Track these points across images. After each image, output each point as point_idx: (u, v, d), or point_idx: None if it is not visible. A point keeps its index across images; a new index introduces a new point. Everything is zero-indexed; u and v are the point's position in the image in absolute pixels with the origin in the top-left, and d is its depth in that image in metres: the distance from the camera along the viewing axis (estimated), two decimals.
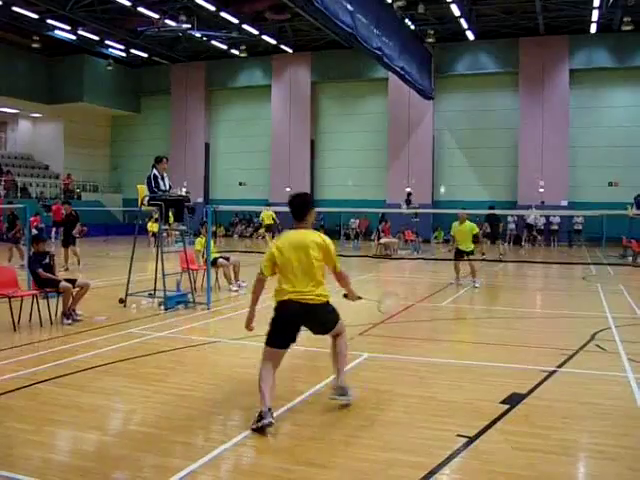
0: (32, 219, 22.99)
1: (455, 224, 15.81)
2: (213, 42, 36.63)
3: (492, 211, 26.46)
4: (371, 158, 38.03)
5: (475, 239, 15.75)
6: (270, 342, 5.86)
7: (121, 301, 11.91)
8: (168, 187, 12.31)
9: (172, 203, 12.22)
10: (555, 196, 33.64)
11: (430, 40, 33.86)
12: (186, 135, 41.94)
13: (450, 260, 21.75)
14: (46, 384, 6.68)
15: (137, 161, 40.77)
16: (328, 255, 5.83)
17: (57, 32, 34.22)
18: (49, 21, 32.36)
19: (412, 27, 32.24)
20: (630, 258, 23.20)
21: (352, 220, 35.18)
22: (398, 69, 26.83)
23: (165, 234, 19.05)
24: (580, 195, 33.60)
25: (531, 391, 6.55)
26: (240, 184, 41.31)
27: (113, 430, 5.57)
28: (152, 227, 27.08)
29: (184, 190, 13.49)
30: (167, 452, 4.91)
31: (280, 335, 5.86)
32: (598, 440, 5.25)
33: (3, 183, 35.90)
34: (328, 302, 5.89)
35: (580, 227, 33.25)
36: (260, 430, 5.26)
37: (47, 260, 10.47)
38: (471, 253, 15.68)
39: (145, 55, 39.95)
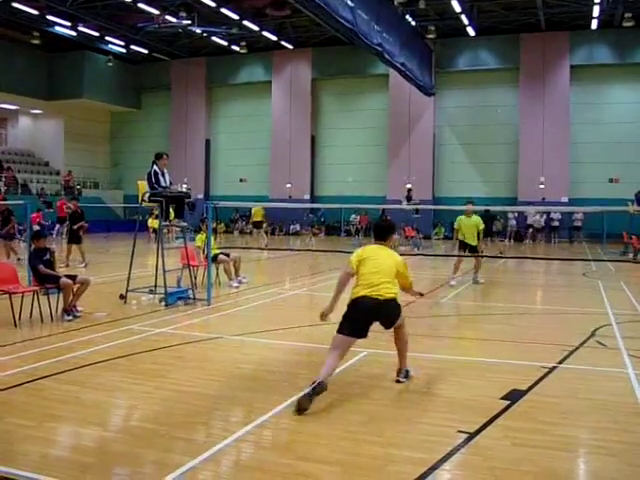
0: (34, 215, 23.00)
1: (461, 217, 15.46)
2: (213, 38, 36.61)
3: (487, 207, 26.48)
4: (371, 154, 38.02)
5: (478, 235, 15.46)
6: (340, 329, 6.32)
7: (122, 297, 11.91)
8: (168, 183, 12.29)
9: (172, 199, 12.21)
10: (556, 193, 33.62)
11: (431, 36, 33.78)
12: (186, 131, 41.93)
13: (451, 256, 21.78)
14: (47, 380, 6.68)
15: (137, 157, 40.73)
16: (403, 272, 6.68)
17: (57, 28, 34.20)
18: (49, 17, 32.35)
19: (413, 23, 32.19)
20: (631, 255, 23.18)
21: (353, 216, 35.14)
22: (399, 65, 26.80)
23: (165, 230, 19.05)
24: (581, 191, 33.55)
25: (531, 387, 6.56)
26: (240, 180, 41.29)
27: (114, 426, 5.57)
28: (152, 223, 27.08)
29: (185, 186, 13.48)
30: (167, 448, 4.91)
31: (351, 325, 6.32)
32: (598, 436, 5.25)
33: (4, 179, 35.88)
34: (396, 298, 6.55)
35: (580, 224, 33.23)
36: (309, 396, 5.71)
37: (47, 256, 10.47)
38: (475, 248, 15.37)
39: (145, 51, 39.92)
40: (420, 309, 11.92)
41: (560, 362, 7.63)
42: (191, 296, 12.13)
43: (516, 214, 33.97)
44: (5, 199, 26.81)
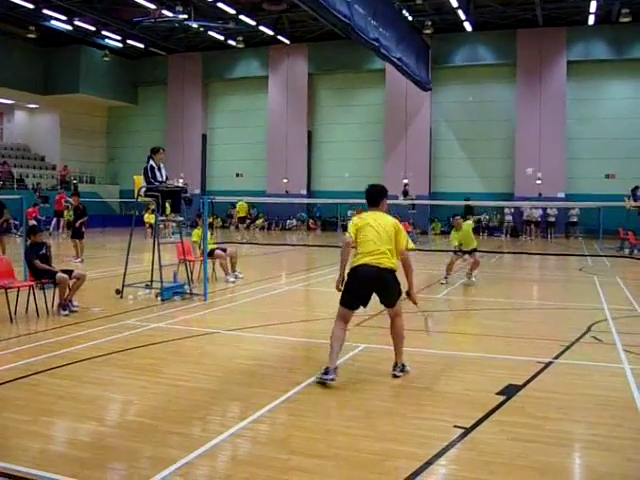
0: (30, 210, 22.95)
1: (454, 233, 14.93)
2: (210, 33, 36.51)
3: (467, 202, 26.51)
4: (368, 149, 38.00)
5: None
6: (342, 302, 6.65)
7: (118, 292, 11.90)
8: (165, 178, 12.27)
9: (169, 194, 12.19)
10: (552, 188, 33.66)
11: (428, 31, 33.78)
12: (183, 126, 41.86)
13: (447, 251, 21.80)
14: (43, 375, 6.68)
15: (134, 152, 40.68)
16: (399, 234, 6.65)
17: (53, 22, 34.08)
18: (45, 11, 32.24)
19: (410, 18, 32.16)
20: (627, 250, 23.23)
21: (349, 212, 35.11)
22: (395, 60, 26.77)
23: (162, 225, 19.04)
24: (577, 187, 33.61)
25: (527, 382, 6.57)
26: (237, 175, 41.28)
27: (109, 421, 5.57)
28: (149, 218, 27.08)
29: (181, 181, 13.48)
30: (164, 442, 4.91)
31: (351, 296, 6.61)
32: (594, 431, 5.26)
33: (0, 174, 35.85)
34: (394, 271, 6.61)
35: (576, 219, 33.27)
36: (322, 383, 6.20)
37: (44, 251, 10.45)
38: (475, 250, 14.93)
39: (142, 46, 39.81)
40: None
41: (556, 357, 7.64)
42: (187, 291, 12.14)
43: (512, 209, 34.01)
44: None
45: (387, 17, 24.94)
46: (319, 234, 35.36)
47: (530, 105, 34.57)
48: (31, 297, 10.10)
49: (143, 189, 12.07)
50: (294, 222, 38.70)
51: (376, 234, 6.58)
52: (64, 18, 33.29)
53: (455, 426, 5.27)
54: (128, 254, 12.16)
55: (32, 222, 19.66)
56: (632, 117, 33.32)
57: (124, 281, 11.96)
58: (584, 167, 34.05)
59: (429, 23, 33.46)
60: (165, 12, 31.57)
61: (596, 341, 8.63)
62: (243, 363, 7.31)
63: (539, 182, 33.96)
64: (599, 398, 6.10)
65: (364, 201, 7.02)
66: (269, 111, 40.08)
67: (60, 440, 5.11)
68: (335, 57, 37.76)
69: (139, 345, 8.08)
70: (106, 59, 39.95)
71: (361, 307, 6.73)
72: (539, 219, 33.89)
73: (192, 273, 13.16)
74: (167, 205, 12.45)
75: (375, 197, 6.98)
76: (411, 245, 6.77)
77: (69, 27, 34.84)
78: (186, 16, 31.88)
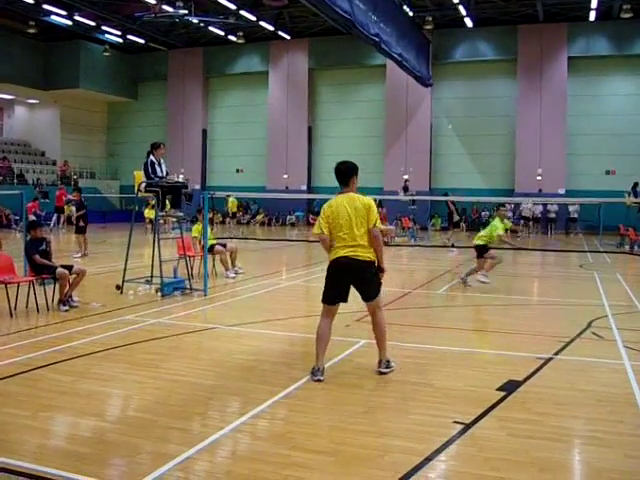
0: (30, 205, 22.90)
1: (499, 222, 13.22)
2: (210, 28, 36.46)
3: (446, 198, 26.52)
4: (368, 145, 37.95)
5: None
6: (323, 298, 6.66)
7: (118, 287, 11.90)
8: (165, 173, 12.25)
9: (169, 189, 12.18)
10: (552, 184, 33.65)
11: (428, 27, 33.72)
12: (183, 122, 41.83)
13: (445, 247, 21.82)
14: (43, 370, 6.67)
15: (134, 147, 40.66)
16: (370, 213, 6.50)
17: (53, 17, 34.01)
18: (45, 6, 32.16)
19: (410, 13, 32.10)
20: (627, 246, 23.22)
21: None
22: (396, 56, 26.73)
23: (162, 221, 19.02)
24: (577, 183, 33.58)
25: (527, 378, 6.57)
26: (237, 171, 41.26)
27: (109, 416, 5.57)
28: (149, 214, 27.07)
29: (181, 177, 13.45)
30: (163, 438, 4.91)
31: (330, 290, 6.62)
32: (594, 427, 5.26)
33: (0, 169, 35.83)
34: (373, 263, 6.56)
35: (576, 215, 33.25)
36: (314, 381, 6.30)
37: (44, 246, 10.45)
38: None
39: (142, 41, 39.75)
40: (416, 300, 11.95)
41: (556, 353, 7.64)
42: (187, 286, 12.13)
43: (512, 206, 33.98)
44: None
45: (388, 12, 24.89)
46: None
47: (531, 101, 34.51)
48: (31, 292, 10.10)
49: (143, 184, 12.06)
50: (293, 218, 38.69)
51: (349, 221, 6.46)
52: (64, 13, 33.22)
53: (455, 422, 5.27)
54: (128, 249, 12.15)
55: (31, 217, 19.60)
56: (633, 113, 33.27)
57: (124, 276, 11.96)
58: (584, 163, 34.03)
59: (430, 19, 33.41)
60: (165, 7, 31.49)
61: (596, 337, 8.63)
62: (243, 358, 7.31)
63: (539, 178, 33.94)
64: (599, 394, 6.10)
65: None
66: (269, 106, 40.04)
67: (60, 435, 5.11)
68: (335, 53, 37.71)
69: (139, 340, 8.08)
70: (106, 54, 39.89)
71: (342, 303, 6.67)
72: (539, 215, 33.88)
73: (192, 268, 13.16)
74: (167, 201, 12.45)
75: (345, 174, 6.78)
76: (380, 225, 6.66)
77: (69, 22, 34.77)
78: (186, 11, 31.83)
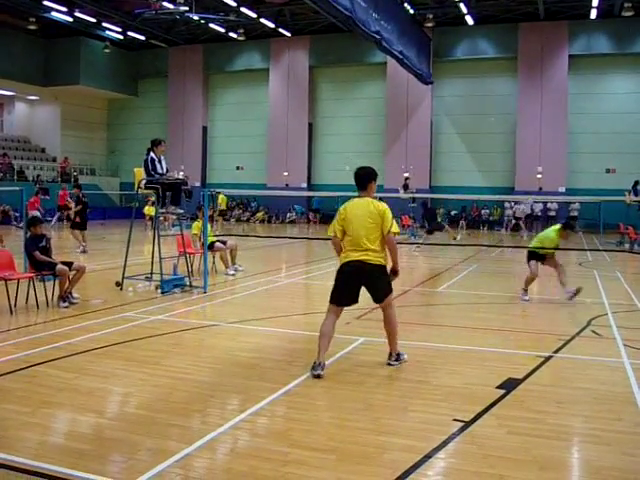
0: (32, 200, 22.80)
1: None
2: (211, 25, 36.40)
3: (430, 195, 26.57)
4: (369, 143, 37.91)
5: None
6: (331, 299, 6.71)
7: (118, 284, 11.91)
8: (165, 170, 12.24)
9: (169, 186, 12.17)
10: (553, 182, 33.62)
11: (429, 25, 33.71)
12: (183, 119, 41.80)
13: (446, 245, 21.82)
14: (42, 366, 6.68)
15: (134, 144, 40.63)
16: (384, 220, 6.57)
17: (53, 14, 33.96)
18: (45, 2, 32.10)
19: (411, 11, 32.06)
20: (627, 245, 23.21)
21: None
22: (396, 53, 26.70)
23: (162, 218, 19.01)
24: (578, 182, 33.55)
25: (527, 376, 6.57)
26: (237, 168, 41.25)
27: (109, 413, 5.57)
28: (149, 211, 27.06)
29: (182, 174, 13.45)
30: (163, 435, 4.91)
31: (340, 293, 6.68)
32: (593, 425, 5.26)
33: (0, 166, 35.80)
34: (385, 267, 6.66)
35: (576, 213, 33.21)
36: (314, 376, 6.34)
37: (44, 243, 10.45)
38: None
39: (142, 38, 39.68)
40: (415, 298, 11.95)
41: (556, 351, 7.64)
42: (187, 284, 12.13)
43: (512, 204, 33.95)
44: None
45: (389, 10, 24.86)
46: (317, 228, 35.30)
47: (531, 99, 34.48)
48: (31, 289, 10.11)
49: (143, 181, 12.06)
50: (294, 215, 38.67)
51: (362, 225, 6.56)
52: (65, 9, 33.17)
53: (455, 420, 5.28)
54: (128, 246, 12.16)
55: (35, 213, 19.48)
56: (633, 112, 33.23)
57: (124, 273, 11.97)
58: (585, 161, 34.01)
59: (431, 16, 33.40)
60: (166, 4, 31.43)
61: (596, 335, 8.64)
62: (243, 356, 7.32)
63: (540, 176, 33.93)
64: (598, 392, 6.11)
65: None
66: (270, 104, 40.00)
67: (59, 432, 5.12)
68: (336, 50, 37.65)
69: (139, 337, 8.08)
70: (107, 51, 39.86)
71: (353, 304, 6.77)
72: (539, 213, 33.85)
73: (192, 266, 13.17)
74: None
75: (363, 180, 6.87)
76: (395, 229, 6.72)
77: (70, 18, 34.71)
78: (187, 8, 31.75)
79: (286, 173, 38.97)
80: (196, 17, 34.18)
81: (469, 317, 10.36)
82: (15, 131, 41.94)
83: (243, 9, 32.94)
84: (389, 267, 6.83)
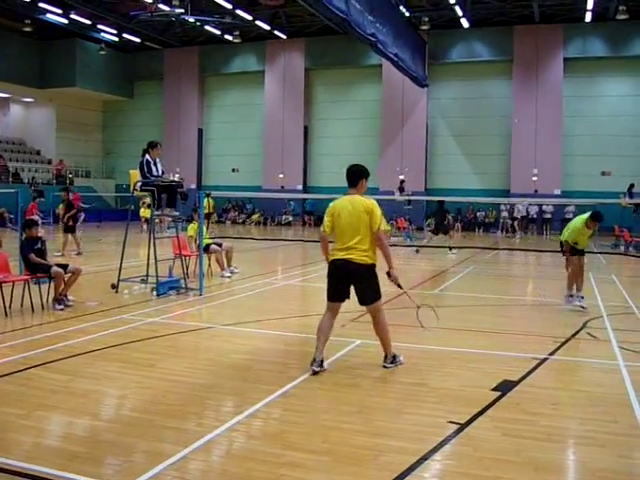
0: (30, 207, 22.79)
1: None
2: (207, 27, 36.36)
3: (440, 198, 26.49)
4: (364, 145, 37.90)
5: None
6: (327, 296, 6.81)
7: (113, 287, 11.89)
8: (161, 173, 12.24)
9: (164, 189, 12.16)
10: (548, 185, 33.67)
11: (424, 27, 33.72)
12: (179, 121, 41.75)
13: (441, 247, 21.81)
14: (38, 369, 6.67)
15: (130, 146, 40.49)
16: (372, 217, 6.58)
17: (49, 16, 33.87)
18: (41, 4, 32.02)
19: (407, 14, 32.08)
20: (622, 247, 23.28)
21: None
22: (392, 56, 26.72)
23: (157, 220, 18.99)
24: (573, 184, 33.60)
25: (522, 378, 6.58)
26: (233, 170, 41.23)
27: (104, 415, 5.56)
28: (144, 213, 27.00)
29: (177, 176, 13.43)
30: (159, 437, 4.91)
31: (332, 289, 6.76)
32: (588, 427, 5.27)
33: None
34: (374, 266, 6.67)
35: (572, 216, 33.17)
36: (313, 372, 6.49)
37: (39, 245, 10.43)
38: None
39: (138, 40, 39.63)
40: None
41: (551, 354, 7.65)
42: (183, 286, 12.12)
43: (508, 206, 34.01)
44: None
45: (384, 13, 24.88)
46: (312, 230, 35.31)
47: (526, 102, 34.53)
48: (26, 291, 10.08)
49: (139, 184, 12.05)
50: (290, 217, 38.64)
51: (349, 223, 6.59)
52: (60, 11, 33.08)
53: (450, 422, 5.28)
54: (124, 248, 12.15)
55: (36, 217, 19.43)
56: (628, 114, 33.31)
57: (119, 275, 11.94)
58: (580, 164, 34.05)
59: (426, 19, 33.40)
60: (162, 6, 31.41)
61: (591, 338, 8.66)
62: (238, 358, 7.32)
63: (535, 179, 33.98)
64: (593, 394, 6.12)
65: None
66: (266, 106, 39.99)
67: (55, 434, 5.10)
68: (332, 52, 37.65)
69: (134, 340, 8.07)
70: (102, 53, 39.77)
71: (346, 300, 6.85)
72: (535, 216, 33.90)
73: (188, 268, 13.16)
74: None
75: (355, 176, 6.86)
76: (385, 227, 6.74)
77: (65, 20, 34.63)
78: (182, 10, 31.73)
79: (281, 175, 38.96)
80: (191, 19, 34.15)
81: (465, 319, 10.38)
82: (10, 133, 41.84)
83: (238, 11, 32.92)
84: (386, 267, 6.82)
